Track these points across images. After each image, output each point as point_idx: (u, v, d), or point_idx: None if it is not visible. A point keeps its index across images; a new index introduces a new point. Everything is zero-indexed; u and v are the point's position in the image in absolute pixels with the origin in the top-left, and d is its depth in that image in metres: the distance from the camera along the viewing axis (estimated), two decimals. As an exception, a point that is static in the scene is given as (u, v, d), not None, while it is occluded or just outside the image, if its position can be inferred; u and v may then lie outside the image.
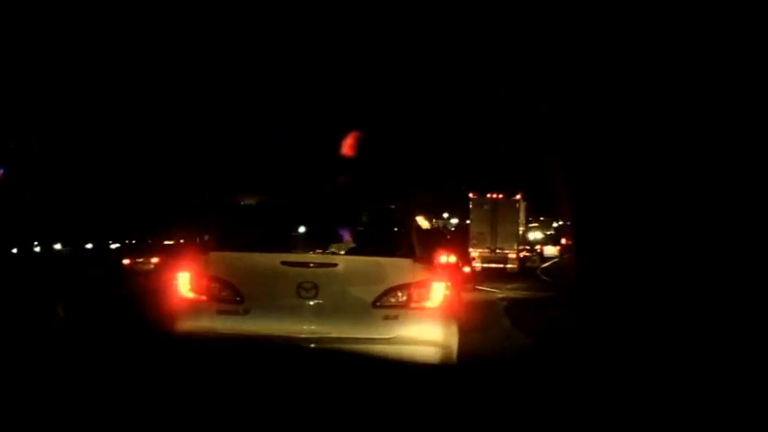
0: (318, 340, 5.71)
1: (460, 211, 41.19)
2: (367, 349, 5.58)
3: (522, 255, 33.12)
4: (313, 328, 5.80)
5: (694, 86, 13.07)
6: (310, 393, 3.09)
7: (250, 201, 6.81)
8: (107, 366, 3.37)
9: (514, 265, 31.04)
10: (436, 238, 23.11)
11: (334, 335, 5.73)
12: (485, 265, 29.68)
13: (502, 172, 34.34)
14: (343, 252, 6.42)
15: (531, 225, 38.94)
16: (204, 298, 5.96)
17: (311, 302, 5.82)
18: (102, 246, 40.76)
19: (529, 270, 33.11)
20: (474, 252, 29.46)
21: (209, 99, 31.99)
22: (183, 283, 6.01)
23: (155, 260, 25.69)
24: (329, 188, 8.40)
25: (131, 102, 33.04)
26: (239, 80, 30.42)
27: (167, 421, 2.85)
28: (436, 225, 44.15)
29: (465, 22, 17.59)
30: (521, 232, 32.89)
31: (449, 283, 6.05)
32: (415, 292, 5.86)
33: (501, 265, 30.48)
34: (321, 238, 6.57)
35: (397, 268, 5.97)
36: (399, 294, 5.84)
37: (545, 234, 50.19)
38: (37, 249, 40.27)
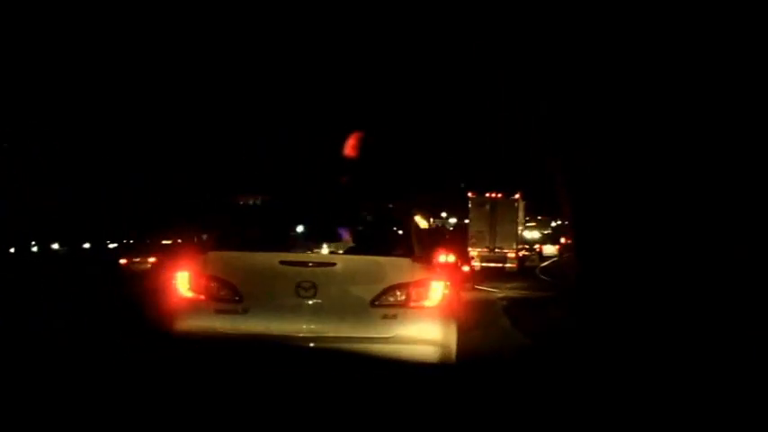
0: (317, 339, 5.71)
1: (459, 210, 41.24)
2: (366, 348, 5.57)
3: (521, 254, 33.19)
4: (312, 327, 5.80)
5: (694, 86, 13.07)
6: (309, 393, 3.08)
7: (249, 200, 6.83)
8: (107, 366, 3.36)
9: (513, 265, 31.09)
10: (435, 238, 23.14)
11: (333, 334, 5.73)
12: (484, 265, 29.73)
13: (501, 171, 34.40)
14: (341, 251, 6.42)
15: (528, 224, 39.02)
16: (203, 297, 5.96)
17: (310, 302, 5.82)
18: (99, 245, 40.80)
19: (528, 269, 33.13)
20: (473, 251, 29.51)
21: (210, 99, 31.99)
22: (182, 282, 6.01)
23: (152, 260, 25.72)
24: (331, 188, 8.42)
25: (131, 102, 33.02)
26: (239, 80, 30.42)
27: (167, 421, 2.85)
28: (434, 225, 44.21)
29: (465, 22, 17.59)
30: (520, 231, 32.94)
31: (448, 283, 6.05)
32: (413, 292, 5.85)
33: (500, 265, 30.53)
34: (320, 238, 6.57)
35: (396, 267, 5.97)
36: (398, 293, 5.83)
37: (542, 233, 50.30)
38: (34, 249, 40.31)
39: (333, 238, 6.58)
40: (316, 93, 29.18)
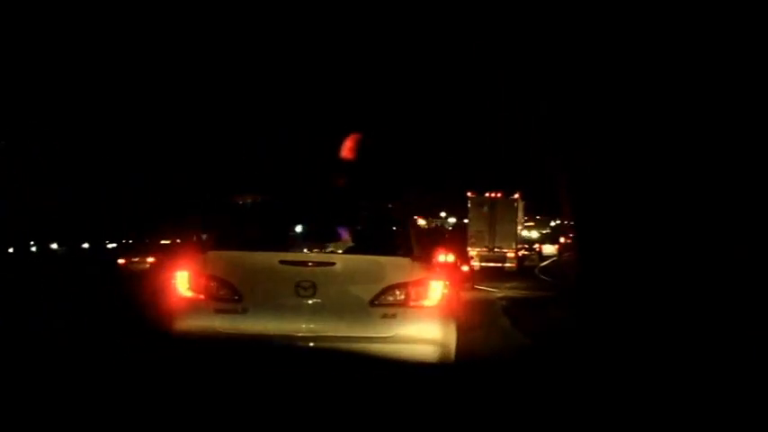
0: (317, 339, 5.71)
1: (458, 210, 41.26)
2: (365, 348, 5.57)
3: (520, 254, 33.18)
4: (311, 326, 5.79)
5: (694, 86, 13.07)
6: (309, 392, 3.08)
7: (246, 200, 6.81)
8: (107, 366, 3.36)
9: (513, 264, 31.10)
10: (434, 237, 23.15)
11: (333, 333, 5.72)
12: (483, 264, 29.74)
13: (501, 171, 34.43)
14: (341, 251, 6.41)
15: (527, 224, 39.07)
16: (202, 297, 5.95)
17: (309, 301, 5.81)
18: (98, 245, 40.83)
19: (527, 269, 33.13)
20: (472, 251, 29.52)
21: (210, 99, 32.00)
22: (182, 282, 6.00)
23: (150, 260, 25.74)
24: (329, 189, 8.42)
25: (131, 102, 33.03)
26: (239, 80, 30.43)
27: (167, 420, 2.84)
28: (433, 224, 44.23)
29: (465, 22, 17.59)
30: (519, 231, 32.95)
31: (447, 282, 6.04)
32: (413, 291, 5.85)
33: (499, 264, 30.55)
34: (319, 237, 6.57)
35: (396, 267, 5.96)
36: (397, 293, 5.83)
37: (540, 233, 50.35)
38: (33, 249, 40.33)
39: (332, 238, 6.57)
40: (315, 93, 29.19)
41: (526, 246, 38.86)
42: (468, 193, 32.17)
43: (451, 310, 6.11)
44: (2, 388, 3.02)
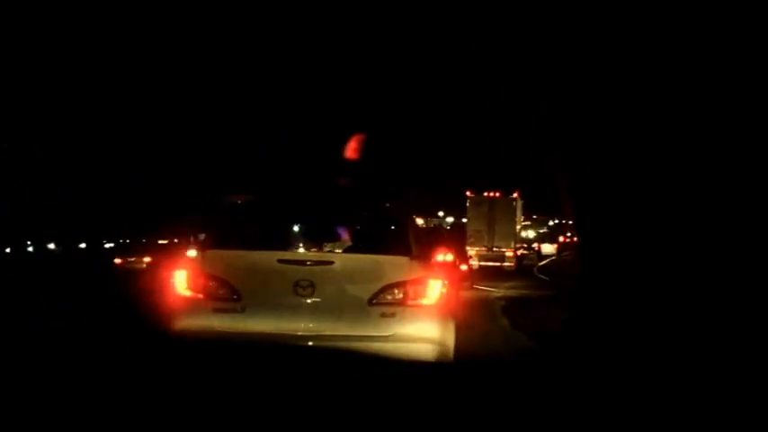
0: (315, 338, 5.71)
1: (457, 209, 41.29)
2: (364, 347, 5.56)
3: (519, 253, 33.18)
4: (310, 325, 5.79)
5: (694, 86, 13.06)
6: (307, 391, 3.08)
7: (241, 199, 6.80)
8: (106, 366, 3.36)
9: (512, 264, 31.11)
10: (433, 237, 23.16)
11: (331, 333, 5.72)
12: (482, 264, 29.73)
13: (500, 171, 34.46)
14: (339, 250, 6.41)
15: (524, 223, 39.11)
16: (201, 296, 5.94)
17: (308, 300, 5.81)
18: (95, 245, 40.87)
19: (526, 268, 33.14)
20: (471, 250, 29.52)
21: (209, 99, 32.02)
22: (180, 281, 6.00)
23: (147, 259, 25.79)
24: (330, 188, 8.41)
25: (131, 102, 33.06)
26: (239, 80, 30.45)
27: (166, 420, 2.84)
28: (431, 224, 44.25)
29: (465, 22, 17.60)
30: (518, 230, 32.97)
31: (445, 281, 6.04)
32: (411, 290, 5.85)
33: (498, 264, 30.55)
34: (318, 237, 6.56)
35: (394, 266, 5.96)
36: (396, 292, 5.83)
37: (538, 232, 50.42)
38: (30, 249, 40.37)
39: (331, 237, 6.57)
40: (315, 93, 29.21)
41: (525, 245, 38.87)
42: (467, 193, 32.17)
43: (450, 309, 6.11)
44: (2, 388, 3.02)
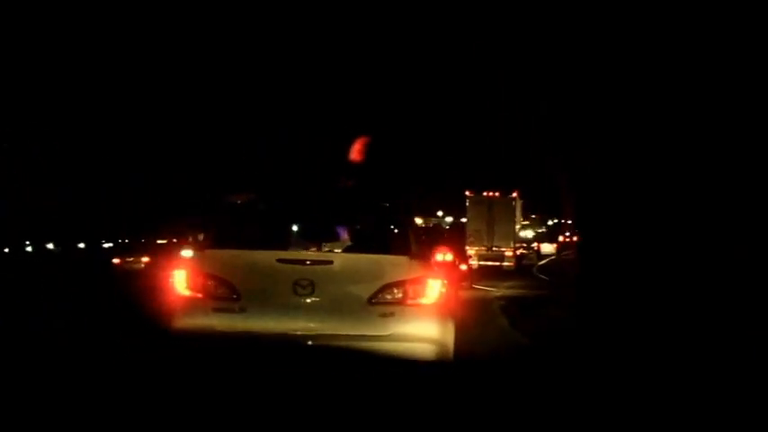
0: (315, 337, 5.71)
1: (456, 209, 41.28)
2: (363, 346, 5.57)
3: (518, 252, 33.17)
4: (309, 325, 5.79)
5: (694, 86, 13.06)
6: (307, 390, 3.08)
7: (241, 199, 6.80)
8: (106, 365, 3.37)
9: (511, 263, 31.10)
10: (433, 236, 23.15)
11: (331, 332, 5.72)
12: (481, 263, 29.71)
13: (500, 171, 34.45)
14: (339, 249, 6.41)
15: (523, 223, 39.11)
16: (200, 296, 5.94)
17: (307, 300, 5.81)
18: (94, 245, 40.87)
19: (525, 268, 33.13)
20: (470, 250, 29.49)
21: (210, 99, 32.01)
22: (179, 280, 5.99)
23: (145, 259, 25.82)
24: (332, 189, 8.40)
25: (131, 102, 33.06)
26: (239, 80, 30.44)
27: (166, 418, 2.84)
28: (430, 224, 44.24)
29: (465, 22, 17.59)
30: (517, 230, 32.96)
31: (445, 281, 6.04)
32: (410, 289, 5.85)
33: (497, 263, 30.54)
34: (317, 236, 6.56)
35: (393, 265, 5.96)
36: (395, 291, 5.83)
37: (536, 232, 50.42)
38: (29, 249, 40.37)
39: (330, 237, 6.57)
40: (316, 92, 29.19)
41: (524, 244, 38.86)
42: (467, 192, 32.17)
43: (449, 308, 6.11)
44: (2, 387, 3.03)
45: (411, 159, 35.46)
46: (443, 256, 15.66)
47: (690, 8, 12.91)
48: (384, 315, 5.77)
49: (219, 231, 6.65)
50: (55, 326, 8.89)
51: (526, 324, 11.76)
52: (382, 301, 5.81)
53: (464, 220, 33.71)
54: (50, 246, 42.79)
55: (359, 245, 6.43)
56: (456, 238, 28.40)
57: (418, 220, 23.83)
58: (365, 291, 5.82)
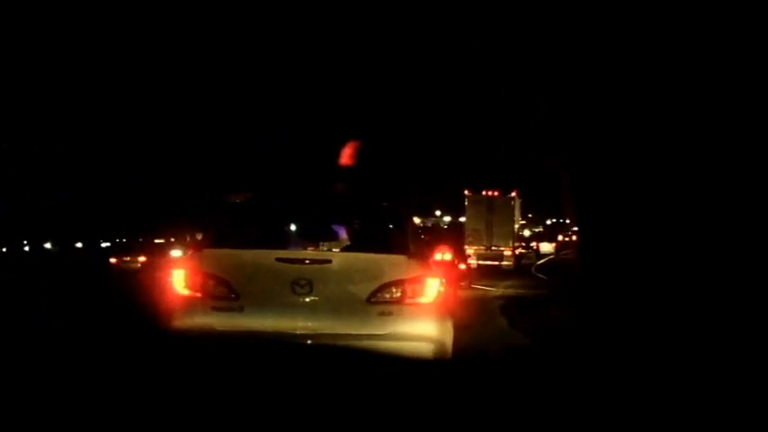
0: (313, 337, 5.70)
1: (454, 208, 41.32)
2: (362, 345, 5.56)
3: (517, 252, 33.16)
4: (308, 324, 5.79)
5: (694, 86, 13.07)
6: (306, 389, 3.08)
7: (240, 198, 6.79)
8: (106, 365, 3.37)
9: (510, 263, 31.08)
10: (432, 236, 23.13)
11: (329, 331, 5.71)
12: (480, 263, 29.69)
13: (500, 170, 34.48)
14: (337, 249, 6.41)
15: (521, 222, 39.16)
16: (199, 295, 5.94)
17: (306, 299, 5.81)
18: (92, 244, 40.90)
19: (524, 267, 33.11)
20: (470, 249, 29.46)
21: (210, 99, 32.05)
22: (178, 280, 5.99)
23: (142, 259, 25.83)
24: (328, 190, 8.40)
25: (131, 102, 33.08)
26: (240, 80, 30.47)
27: (166, 418, 2.84)
28: (429, 223, 44.26)
29: (465, 22, 17.61)
30: (516, 229, 32.95)
31: (443, 280, 6.04)
32: (409, 288, 5.84)
33: (496, 263, 30.52)
34: (316, 235, 6.56)
35: (392, 264, 5.95)
36: (394, 290, 5.82)
37: (533, 231, 50.53)
38: (27, 248, 40.40)
39: (329, 236, 6.57)
40: (316, 91, 29.22)
41: (523, 244, 38.87)
42: (466, 192, 32.17)
43: (448, 307, 6.11)
44: (2, 387, 3.03)
45: (411, 159, 35.49)
46: (442, 255, 15.65)
47: (689, 8, 12.93)
48: (382, 314, 5.77)
49: (218, 231, 6.64)
50: (55, 326, 8.90)
51: (525, 323, 11.75)
52: (381, 300, 5.80)
53: (463, 219, 33.71)
54: (48, 245, 42.83)
55: (357, 244, 6.42)
56: (455, 238, 28.37)
57: (416, 220, 23.84)
58: (364, 290, 5.81)
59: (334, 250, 6.39)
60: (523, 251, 37.52)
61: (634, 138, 14.18)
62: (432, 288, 5.88)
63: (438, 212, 52.80)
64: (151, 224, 34.79)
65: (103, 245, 40.47)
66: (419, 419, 2.90)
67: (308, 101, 29.70)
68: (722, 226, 12.78)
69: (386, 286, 5.81)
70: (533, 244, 45.46)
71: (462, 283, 18.15)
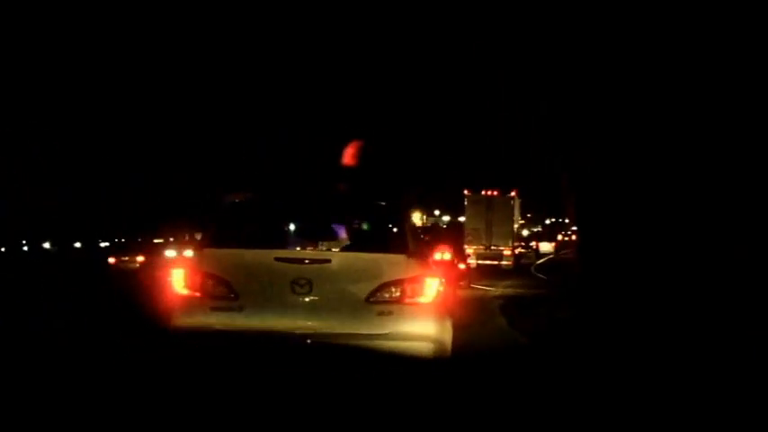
0: (313, 336, 5.70)
1: (453, 208, 41.32)
2: (361, 345, 5.57)
3: (517, 251, 33.16)
4: (308, 324, 5.79)
5: (694, 86, 13.07)
6: (306, 389, 3.08)
7: (239, 198, 6.79)
8: (106, 364, 3.37)
9: (509, 262, 31.08)
10: (431, 235, 23.10)
11: (329, 331, 5.71)
12: (480, 262, 29.69)
13: (499, 170, 34.49)
14: (337, 248, 6.41)
15: (520, 222, 39.17)
16: (198, 295, 5.94)
17: (305, 299, 5.81)
18: (91, 244, 40.89)
19: (524, 267, 33.11)
20: (469, 249, 29.45)
21: (210, 99, 32.04)
22: (178, 279, 5.99)
23: (140, 258, 25.82)
24: (328, 190, 8.39)
25: (131, 102, 33.08)
26: (240, 80, 30.47)
27: (166, 416, 2.85)
28: (428, 223, 44.26)
29: (465, 22, 17.61)
30: (516, 229, 32.96)
31: (442, 279, 6.04)
32: (408, 288, 5.84)
33: (496, 262, 30.52)
34: (315, 235, 6.56)
35: (391, 264, 5.95)
36: (393, 290, 5.82)
37: (531, 231, 50.55)
38: (25, 248, 40.40)
39: (328, 236, 6.57)
40: (316, 90, 29.22)
41: (523, 243, 38.88)
42: (465, 191, 32.18)
43: (447, 307, 6.11)
44: (3, 387, 3.03)
45: (410, 159, 35.49)
46: (442, 255, 15.65)
47: (689, 8, 12.93)
48: (382, 314, 5.77)
49: (217, 230, 6.63)
50: (54, 326, 8.91)
51: (524, 323, 11.74)
52: (380, 299, 5.80)
53: (462, 219, 33.72)
54: (47, 245, 42.85)
55: (357, 244, 6.43)
56: (454, 237, 28.36)
57: (416, 220, 23.84)
58: (363, 289, 5.81)
59: (333, 250, 6.39)
60: (523, 251, 37.53)
61: (634, 138, 14.17)
62: (431, 288, 5.89)
63: (437, 212, 52.83)
64: (151, 224, 34.77)
65: (102, 245, 40.49)
66: (419, 418, 2.91)
67: (308, 101, 29.71)
68: (722, 226, 12.78)
69: (385, 286, 5.82)
70: (533, 243, 45.49)
71: (462, 283, 18.14)
